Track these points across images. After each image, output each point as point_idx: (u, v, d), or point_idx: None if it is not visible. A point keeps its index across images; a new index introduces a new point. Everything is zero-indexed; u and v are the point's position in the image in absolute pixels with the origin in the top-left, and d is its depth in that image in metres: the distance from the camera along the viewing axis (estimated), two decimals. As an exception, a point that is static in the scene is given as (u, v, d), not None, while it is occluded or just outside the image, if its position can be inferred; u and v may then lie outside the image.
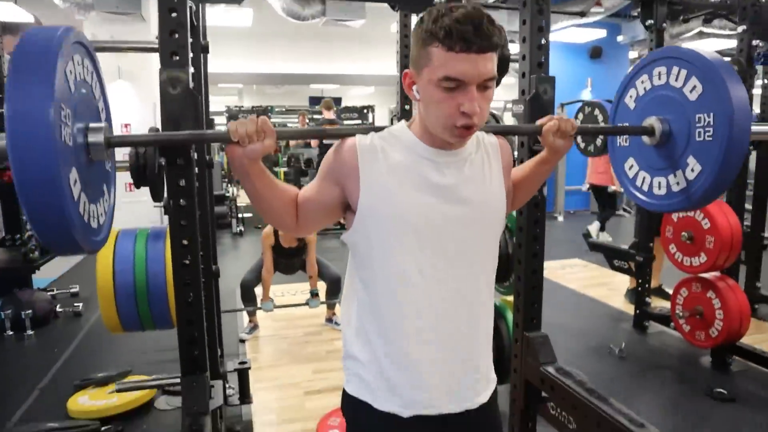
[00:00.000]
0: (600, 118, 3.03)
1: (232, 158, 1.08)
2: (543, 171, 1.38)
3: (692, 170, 1.56)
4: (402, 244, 1.10)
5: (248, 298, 3.92)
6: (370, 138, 1.13)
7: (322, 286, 4.07)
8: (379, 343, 1.15)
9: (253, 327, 3.95)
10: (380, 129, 1.17)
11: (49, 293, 4.57)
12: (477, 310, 1.18)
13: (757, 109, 3.73)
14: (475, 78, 1.00)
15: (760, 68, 3.54)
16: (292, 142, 10.28)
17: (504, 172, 1.22)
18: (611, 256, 4.14)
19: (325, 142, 7.15)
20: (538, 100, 1.76)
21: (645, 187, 1.75)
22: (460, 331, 1.16)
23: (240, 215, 8.16)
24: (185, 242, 1.63)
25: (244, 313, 4.03)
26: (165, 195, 1.75)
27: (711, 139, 1.49)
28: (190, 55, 1.62)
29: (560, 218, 8.89)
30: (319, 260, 4.09)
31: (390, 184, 1.09)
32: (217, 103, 12.53)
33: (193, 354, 1.67)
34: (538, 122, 1.34)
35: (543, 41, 1.80)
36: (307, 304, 4.00)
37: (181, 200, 1.59)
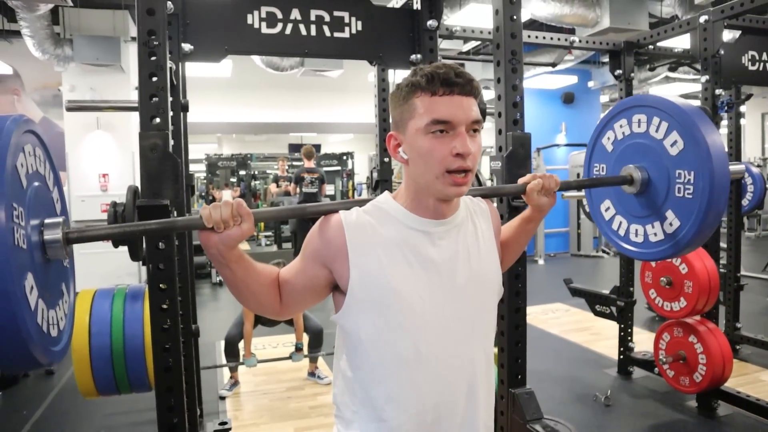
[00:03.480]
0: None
1: (207, 246, 0.99)
2: (529, 229, 1.36)
3: (671, 224, 1.57)
4: (398, 324, 1.03)
5: (232, 353, 3.81)
6: (355, 213, 1.06)
7: (304, 339, 3.98)
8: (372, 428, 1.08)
9: (234, 383, 3.83)
10: (364, 202, 1.11)
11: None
12: (476, 383, 1.12)
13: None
14: (463, 119, 0.99)
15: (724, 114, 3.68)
16: (273, 189, 10.29)
17: (495, 238, 1.20)
18: (593, 302, 4.14)
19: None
20: (515, 157, 1.79)
21: (621, 232, 1.77)
22: (458, 406, 1.10)
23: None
24: (164, 306, 1.60)
25: (225, 368, 3.93)
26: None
27: (691, 197, 1.50)
28: (170, 113, 1.63)
29: (541, 261, 8.91)
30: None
31: (382, 261, 1.03)
32: (197, 151, 12.54)
33: (171, 422, 1.62)
34: (521, 181, 1.33)
35: (518, 99, 1.84)
36: (290, 358, 3.91)
37: (160, 264, 1.57)
